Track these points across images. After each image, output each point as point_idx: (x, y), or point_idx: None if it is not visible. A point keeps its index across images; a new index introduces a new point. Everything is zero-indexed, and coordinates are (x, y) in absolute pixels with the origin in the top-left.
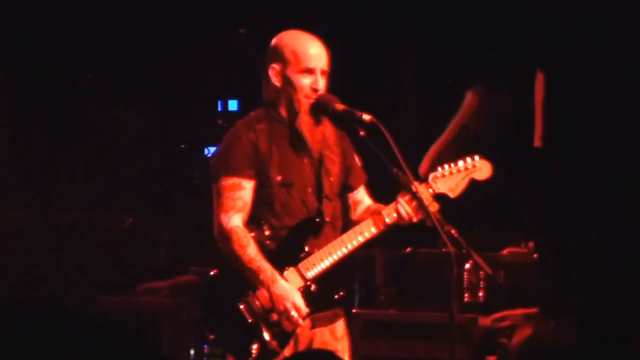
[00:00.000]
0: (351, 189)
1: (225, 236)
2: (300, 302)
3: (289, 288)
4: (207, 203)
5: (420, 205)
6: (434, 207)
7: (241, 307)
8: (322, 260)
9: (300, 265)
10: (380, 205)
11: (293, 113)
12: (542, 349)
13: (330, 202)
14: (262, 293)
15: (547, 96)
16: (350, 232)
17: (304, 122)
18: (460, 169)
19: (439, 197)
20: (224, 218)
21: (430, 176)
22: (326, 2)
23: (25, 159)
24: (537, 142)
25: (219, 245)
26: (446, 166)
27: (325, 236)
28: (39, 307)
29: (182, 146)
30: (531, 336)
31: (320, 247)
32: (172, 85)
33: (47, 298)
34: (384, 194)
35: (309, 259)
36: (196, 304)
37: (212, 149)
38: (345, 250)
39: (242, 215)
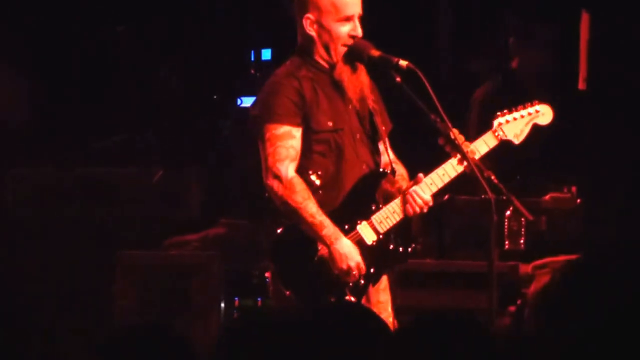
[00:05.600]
0: None
1: (286, 187)
2: (360, 259)
3: (350, 246)
4: (238, 154)
5: (459, 152)
6: (473, 153)
7: (317, 262)
8: (395, 213)
9: (373, 219)
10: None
11: (331, 62)
12: (559, 296)
13: (383, 150)
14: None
15: (592, 37)
16: (422, 185)
17: (343, 71)
18: (524, 114)
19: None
20: (281, 167)
21: (495, 123)
22: None
23: (54, 114)
24: (581, 85)
25: (272, 195)
26: (507, 112)
27: (388, 187)
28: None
29: (214, 97)
30: (547, 283)
31: (386, 200)
32: (203, 35)
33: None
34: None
35: (381, 211)
36: (268, 262)
37: (245, 99)
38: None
39: (295, 165)
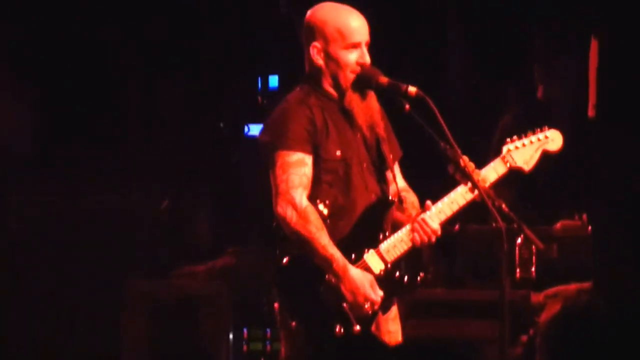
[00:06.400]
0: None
1: (300, 215)
2: (370, 292)
3: (360, 280)
4: (246, 182)
5: (469, 180)
6: (483, 181)
7: (323, 291)
8: (403, 241)
9: (380, 248)
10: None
11: (340, 90)
12: (571, 324)
13: (391, 179)
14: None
15: (601, 64)
16: (430, 213)
17: (353, 99)
18: (533, 140)
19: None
20: (295, 195)
21: (504, 149)
22: None
23: (57, 143)
24: (590, 112)
25: (283, 223)
26: (516, 139)
27: (398, 216)
28: None
29: (221, 124)
30: (558, 312)
31: (395, 228)
32: (211, 61)
33: None
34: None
35: (389, 240)
36: (273, 294)
37: (252, 127)
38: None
39: (307, 193)
